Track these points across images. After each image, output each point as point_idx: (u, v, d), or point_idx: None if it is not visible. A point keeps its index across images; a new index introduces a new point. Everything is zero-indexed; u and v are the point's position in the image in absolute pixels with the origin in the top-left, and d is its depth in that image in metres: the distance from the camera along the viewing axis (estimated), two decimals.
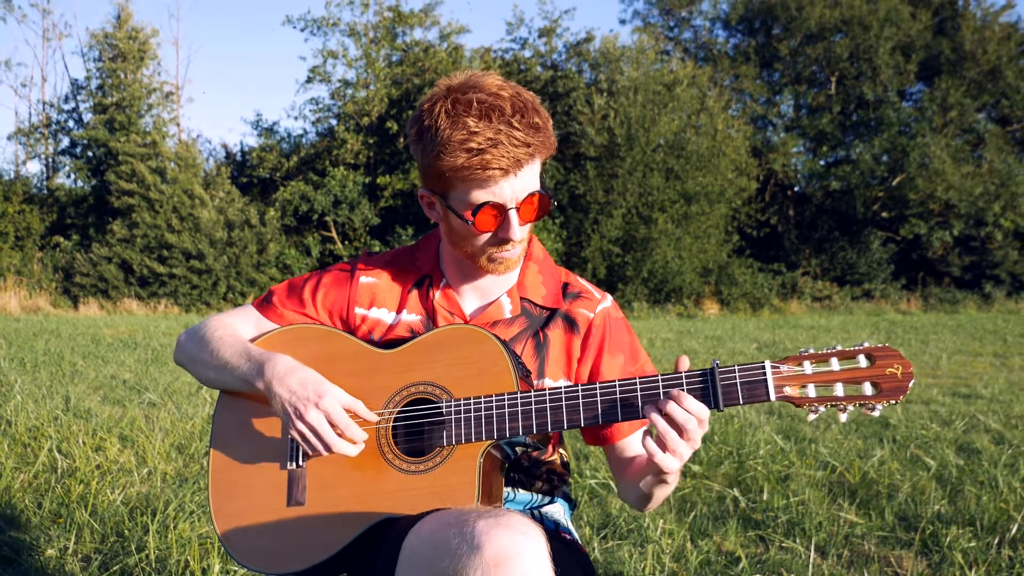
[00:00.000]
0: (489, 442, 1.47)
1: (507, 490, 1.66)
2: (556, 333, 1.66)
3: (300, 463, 1.57)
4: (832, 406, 1.38)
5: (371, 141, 25.01)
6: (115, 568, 2.96)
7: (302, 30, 27.30)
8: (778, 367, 1.39)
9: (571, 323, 1.67)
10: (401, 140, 24.07)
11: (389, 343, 1.63)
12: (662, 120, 23.04)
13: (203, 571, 2.91)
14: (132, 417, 5.45)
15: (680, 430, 1.37)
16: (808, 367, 1.39)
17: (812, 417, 1.38)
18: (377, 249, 22.00)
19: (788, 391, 1.38)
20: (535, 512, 1.67)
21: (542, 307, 1.69)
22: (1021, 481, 4.23)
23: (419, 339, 1.58)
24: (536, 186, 1.53)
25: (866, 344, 1.38)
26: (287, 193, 23.77)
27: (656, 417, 1.38)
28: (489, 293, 1.69)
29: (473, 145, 1.43)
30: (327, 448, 1.50)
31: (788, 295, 24.87)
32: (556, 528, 1.65)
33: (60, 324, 15.56)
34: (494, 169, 1.45)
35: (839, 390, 1.37)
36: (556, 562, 1.26)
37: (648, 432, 1.41)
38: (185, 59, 54.42)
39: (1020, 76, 26.79)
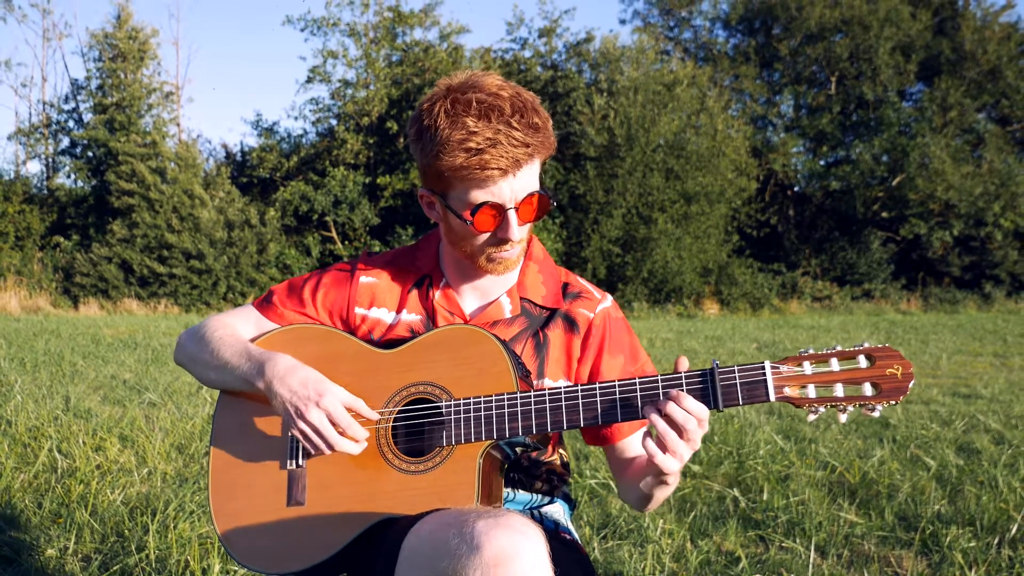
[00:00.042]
0: (489, 442, 1.47)
1: (507, 490, 1.66)
2: (556, 333, 1.66)
3: (300, 463, 1.57)
4: (832, 407, 1.37)
5: (371, 141, 25.01)
6: (115, 568, 2.96)
7: (302, 30, 27.37)
8: (778, 367, 1.39)
9: (571, 323, 1.67)
10: (401, 140, 24.07)
11: (389, 343, 1.63)
12: (662, 120, 23.04)
13: (203, 571, 2.91)
14: (132, 417, 5.46)
15: (680, 430, 1.37)
16: (808, 367, 1.39)
17: (812, 418, 1.38)
18: (377, 249, 22.00)
19: (788, 392, 1.38)
20: (535, 512, 1.67)
21: (542, 307, 1.69)
22: (1021, 481, 4.23)
23: (419, 339, 1.58)
24: (535, 186, 1.53)
25: (866, 344, 1.38)
26: (287, 193, 23.77)
27: (656, 417, 1.38)
28: (489, 293, 1.69)
29: (472, 145, 1.43)
30: (329, 447, 1.50)
31: (788, 295, 24.87)
32: (556, 528, 1.65)
33: (60, 324, 15.56)
34: (493, 169, 1.45)
35: (839, 391, 1.37)
36: (556, 562, 1.26)
37: (648, 433, 1.41)
38: (185, 59, 54.50)
39: (1020, 76, 26.79)
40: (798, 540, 3.38)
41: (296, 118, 29.42)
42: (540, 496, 1.69)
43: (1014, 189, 25.40)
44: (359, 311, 1.71)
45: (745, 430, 5.40)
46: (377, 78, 25.33)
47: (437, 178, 1.52)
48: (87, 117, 26.37)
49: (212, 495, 1.61)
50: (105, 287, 22.15)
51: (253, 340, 1.68)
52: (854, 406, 1.37)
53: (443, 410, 1.50)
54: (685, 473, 4.36)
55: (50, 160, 27.02)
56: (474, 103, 1.45)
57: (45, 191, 26.38)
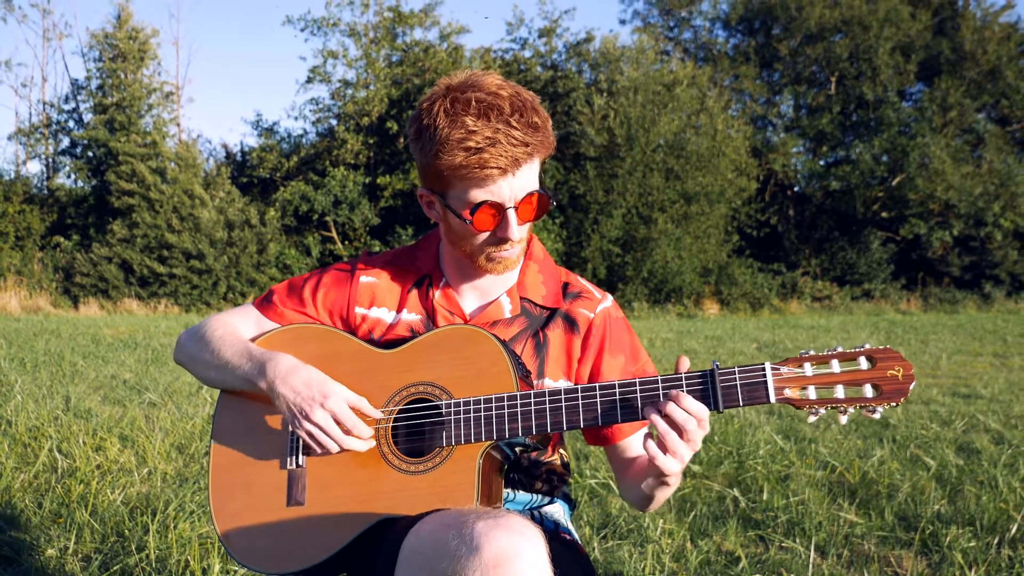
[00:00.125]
0: (489, 443, 1.47)
1: (507, 491, 1.66)
2: (556, 333, 1.66)
3: (300, 463, 1.57)
4: (833, 408, 1.37)
5: (371, 141, 25.01)
6: (115, 568, 2.96)
7: (302, 30, 27.35)
8: (778, 369, 1.39)
9: (571, 323, 1.67)
10: (401, 140, 24.06)
11: (389, 343, 1.63)
12: (662, 120, 23.03)
13: (203, 571, 2.91)
14: (132, 417, 5.45)
15: (680, 431, 1.37)
16: (808, 369, 1.38)
17: (812, 419, 1.38)
18: (377, 249, 21.99)
19: (788, 393, 1.38)
20: (535, 512, 1.67)
21: (542, 307, 1.69)
22: (1021, 481, 4.23)
23: (419, 339, 1.58)
24: (535, 186, 1.53)
25: (867, 346, 1.38)
26: (287, 193, 23.77)
27: (656, 418, 1.38)
28: (489, 293, 1.69)
29: (471, 144, 1.43)
30: (336, 447, 1.50)
31: (788, 295, 24.86)
32: (556, 528, 1.65)
33: (60, 324, 15.56)
34: (492, 168, 1.45)
35: (840, 392, 1.37)
36: (556, 563, 1.26)
37: (649, 435, 1.41)
38: (185, 59, 54.53)
39: (1020, 76, 26.78)
40: (798, 540, 3.38)
41: (296, 118, 29.48)
42: (540, 496, 1.69)
43: (1014, 189, 25.39)
44: (359, 311, 1.71)
45: (745, 430, 5.40)
46: (377, 78, 25.33)
47: (436, 177, 1.52)
48: (87, 117, 26.37)
49: (212, 495, 1.61)
50: (105, 287, 22.15)
51: (253, 340, 1.68)
52: (855, 407, 1.37)
53: (443, 410, 1.50)
54: (685, 473, 4.36)
55: (50, 160, 27.03)
56: (473, 102, 1.45)
57: (45, 191, 26.39)
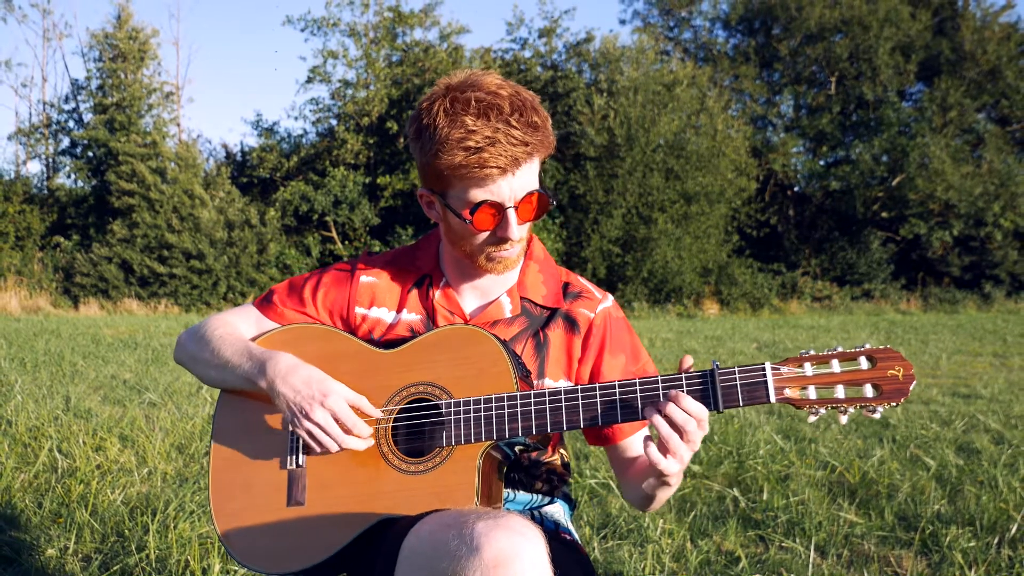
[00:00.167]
0: (489, 443, 1.47)
1: (507, 491, 1.66)
2: (556, 333, 1.66)
3: (300, 462, 1.57)
4: (833, 408, 1.37)
5: (371, 141, 25.01)
6: (115, 568, 2.96)
7: (302, 30, 27.35)
8: (778, 369, 1.38)
9: (572, 323, 1.67)
10: (401, 140, 24.06)
11: (389, 343, 1.63)
12: (662, 120, 23.03)
13: (203, 571, 2.90)
14: (132, 417, 5.45)
15: (680, 431, 1.37)
16: (809, 369, 1.38)
17: (812, 419, 1.38)
18: (377, 249, 21.99)
19: (788, 393, 1.38)
20: (535, 513, 1.67)
21: (542, 307, 1.68)
22: (1021, 481, 4.22)
23: (419, 339, 1.58)
24: (535, 185, 1.53)
25: (867, 346, 1.38)
26: (287, 193, 23.77)
27: (656, 418, 1.38)
28: (489, 292, 1.69)
29: (471, 143, 1.43)
30: (336, 446, 1.50)
31: (788, 295, 24.86)
32: (556, 529, 1.65)
33: (60, 324, 15.56)
34: (492, 168, 1.45)
35: (840, 392, 1.37)
36: (556, 563, 1.26)
37: (648, 436, 1.41)
38: (185, 59, 54.59)
39: (1020, 76, 26.78)
40: (798, 540, 3.38)
41: (296, 118, 29.48)
42: (540, 496, 1.69)
43: (1014, 189, 25.39)
44: (359, 311, 1.71)
45: (745, 430, 5.40)
46: (377, 78, 25.33)
47: (436, 177, 1.52)
48: (87, 117, 26.38)
49: (212, 495, 1.61)
50: (105, 287, 22.15)
51: (254, 339, 1.68)
52: (855, 407, 1.37)
53: (443, 410, 1.50)
54: (685, 473, 4.36)
55: (50, 160, 27.03)
56: (473, 102, 1.44)
57: (45, 191, 26.39)
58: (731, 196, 24.22)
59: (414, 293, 1.70)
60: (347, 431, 1.51)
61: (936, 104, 26.53)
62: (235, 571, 2.90)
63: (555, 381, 1.64)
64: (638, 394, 1.43)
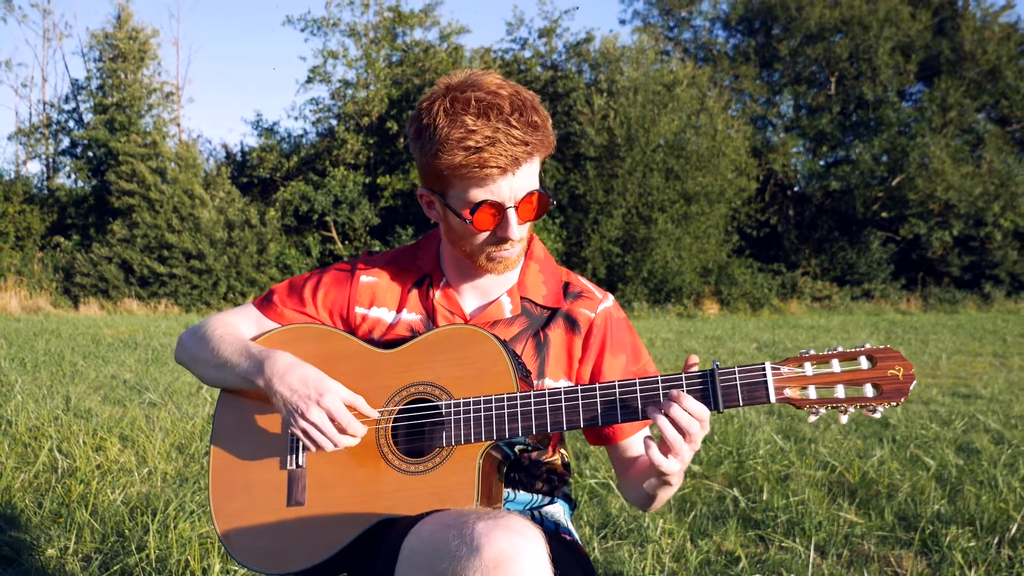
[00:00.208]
0: (488, 443, 1.47)
1: (507, 491, 1.66)
2: (557, 333, 1.66)
3: (300, 463, 1.56)
4: (833, 408, 1.37)
5: (371, 141, 25.01)
6: (115, 568, 2.95)
7: (302, 30, 27.34)
8: (779, 368, 1.38)
9: (572, 323, 1.67)
10: (401, 140, 24.06)
11: (389, 343, 1.63)
12: (662, 120, 23.03)
13: (203, 571, 2.90)
14: (132, 417, 5.45)
15: (681, 431, 1.37)
16: (809, 368, 1.38)
17: (813, 418, 1.38)
18: (377, 249, 21.95)
19: (788, 393, 1.38)
20: (535, 513, 1.67)
21: (543, 307, 1.68)
22: (1021, 481, 4.22)
23: (419, 339, 1.57)
24: (535, 185, 1.53)
25: (867, 345, 1.38)
26: (287, 193, 23.77)
27: (659, 419, 1.38)
28: (489, 292, 1.69)
29: (471, 143, 1.43)
30: (331, 445, 1.50)
31: (788, 295, 24.86)
32: (556, 529, 1.65)
33: (60, 324, 15.55)
34: (492, 167, 1.45)
35: (840, 392, 1.36)
36: (556, 563, 1.26)
37: (649, 436, 1.41)
38: (185, 59, 54.62)
39: (1020, 76, 26.78)
40: (798, 540, 3.38)
41: (296, 118, 29.46)
42: (540, 496, 1.69)
43: (1014, 189, 25.39)
44: (359, 310, 1.71)
45: (745, 430, 5.40)
46: (377, 78, 25.32)
47: (436, 177, 1.52)
48: (87, 117, 26.37)
49: (212, 495, 1.61)
50: (105, 287, 22.15)
51: (253, 339, 1.68)
52: (855, 407, 1.36)
53: (443, 410, 1.50)
54: (686, 473, 4.35)
55: (50, 160, 27.03)
56: (473, 101, 1.44)
57: (45, 191, 26.39)
58: (731, 196, 24.22)
59: (414, 293, 1.70)
60: (342, 431, 1.51)
61: (936, 104, 26.53)
62: (235, 571, 2.90)
63: (555, 381, 1.64)
64: (638, 394, 1.43)
